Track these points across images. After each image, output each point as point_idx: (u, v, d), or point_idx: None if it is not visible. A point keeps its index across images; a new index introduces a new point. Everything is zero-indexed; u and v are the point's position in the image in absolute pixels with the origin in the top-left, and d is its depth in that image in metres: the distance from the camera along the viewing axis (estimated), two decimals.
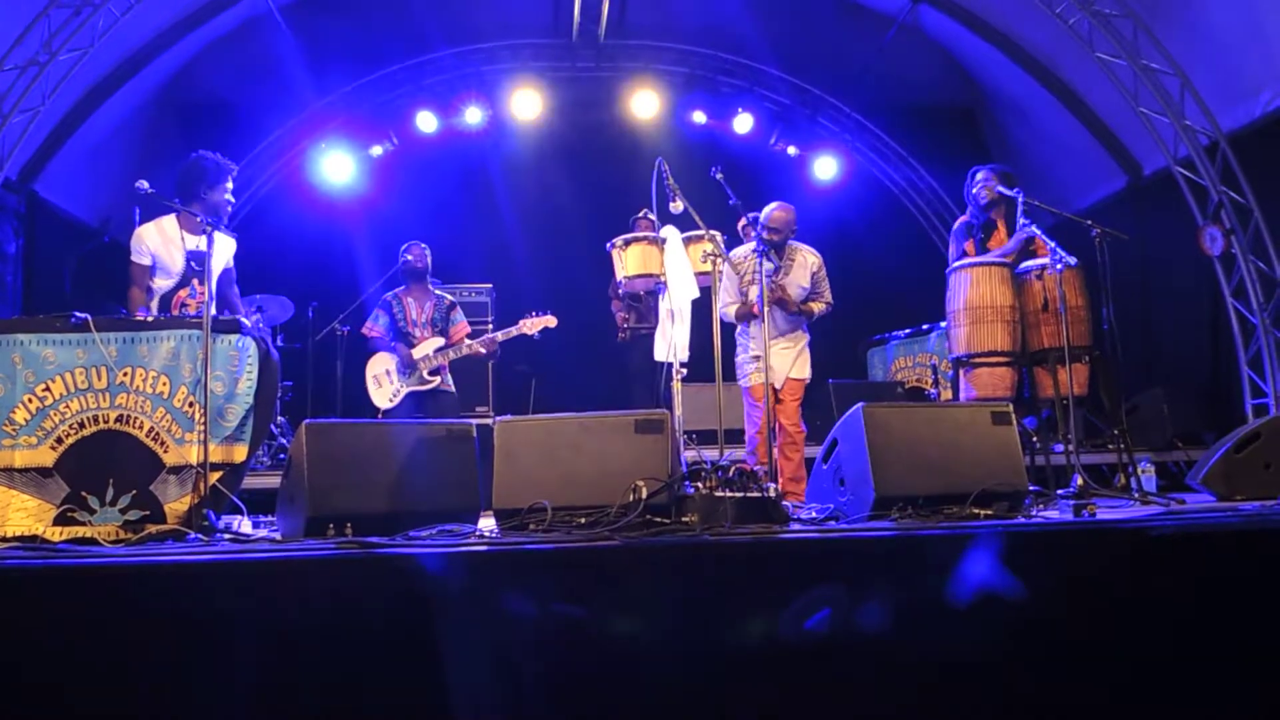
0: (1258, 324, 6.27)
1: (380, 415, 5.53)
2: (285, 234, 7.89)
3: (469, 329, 5.79)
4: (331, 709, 2.44)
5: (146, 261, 4.17)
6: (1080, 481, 3.90)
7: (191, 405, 3.43)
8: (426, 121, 8.06)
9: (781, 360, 4.94)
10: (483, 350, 5.61)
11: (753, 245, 4.91)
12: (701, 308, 4.32)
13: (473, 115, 8.06)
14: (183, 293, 4.21)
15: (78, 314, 3.47)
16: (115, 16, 5.60)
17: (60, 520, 3.30)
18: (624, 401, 5.88)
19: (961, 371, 4.71)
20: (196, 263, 4.17)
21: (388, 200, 8.06)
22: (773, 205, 5.04)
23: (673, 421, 3.38)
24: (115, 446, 3.39)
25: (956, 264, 4.78)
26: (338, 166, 8.00)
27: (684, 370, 4.08)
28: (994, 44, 7.53)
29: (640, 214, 6.09)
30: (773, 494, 3.35)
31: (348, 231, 7.77)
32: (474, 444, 3.61)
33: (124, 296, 4.22)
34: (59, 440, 3.38)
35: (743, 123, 8.44)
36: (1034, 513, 3.47)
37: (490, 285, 7.53)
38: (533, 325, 5.63)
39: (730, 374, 4.92)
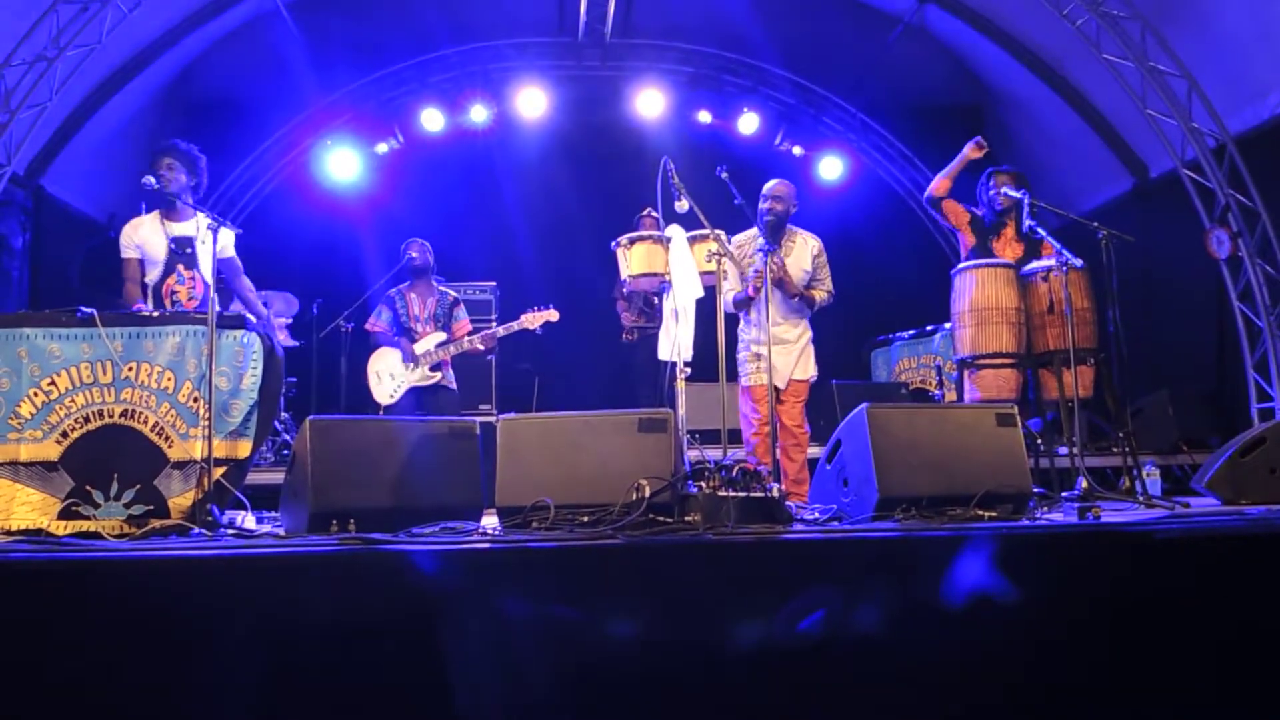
0: (1264, 328, 6.25)
1: (381, 411, 5.54)
2: (290, 231, 7.90)
3: (471, 326, 5.79)
4: (333, 704, 2.44)
5: (135, 255, 4.25)
6: (1084, 484, 3.89)
7: (196, 400, 3.44)
8: (432, 119, 8.05)
9: (784, 359, 4.84)
10: (481, 346, 5.61)
11: (754, 231, 4.89)
12: (706, 307, 4.31)
13: (478, 113, 8.05)
14: (170, 280, 4.25)
15: (84, 309, 3.48)
16: (123, 13, 5.61)
17: (65, 514, 3.31)
18: (628, 400, 5.88)
19: (966, 373, 4.70)
20: (177, 247, 4.22)
21: (392, 198, 8.06)
22: (774, 180, 5.02)
23: (676, 420, 3.37)
24: (120, 441, 3.40)
25: (962, 265, 4.78)
26: (343, 164, 8.00)
27: (688, 370, 4.07)
28: (1000, 44, 7.51)
29: (644, 212, 6.08)
30: (776, 494, 3.34)
31: (352, 228, 7.78)
32: (477, 441, 3.61)
33: (122, 293, 4.26)
34: (64, 434, 3.39)
35: (748, 122, 8.42)
36: (1038, 515, 3.46)
37: (494, 284, 7.53)
38: (535, 319, 5.62)
39: (735, 374, 4.91)
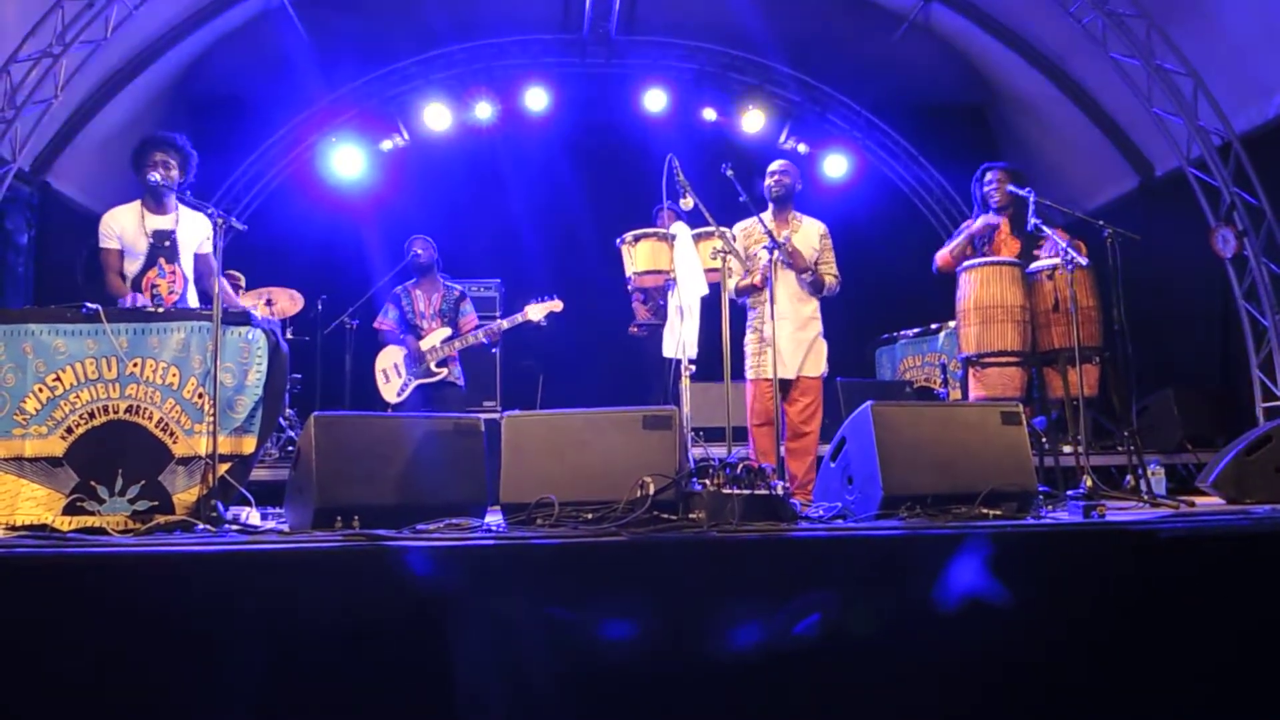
0: (1269, 326, 6.24)
1: (390, 410, 5.54)
2: (295, 227, 7.89)
3: (477, 321, 5.79)
4: (336, 700, 2.44)
5: (115, 245, 4.17)
6: (1089, 483, 3.89)
7: (201, 396, 3.44)
8: (436, 116, 8.05)
9: (792, 348, 4.65)
10: (484, 339, 5.62)
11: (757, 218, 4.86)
12: (711, 304, 4.30)
13: (483, 110, 8.05)
14: (151, 273, 4.17)
15: (89, 305, 3.49)
16: (128, 9, 5.62)
17: (69, 510, 3.32)
18: (635, 396, 5.87)
19: (971, 371, 4.69)
20: (157, 240, 4.15)
21: (397, 194, 8.06)
22: (779, 160, 5.01)
23: (681, 418, 3.37)
24: (125, 437, 3.41)
25: (967, 263, 4.77)
26: (347, 160, 8.00)
27: (693, 367, 4.07)
28: (1006, 42, 7.48)
29: (664, 205, 6.06)
30: (780, 491, 3.34)
31: (357, 225, 7.77)
32: (482, 438, 3.62)
33: (106, 285, 4.19)
34: (69, 430, 3.39)
35: (752, 120, 8.41)
36: (1043, 513, 3.46)
37: (499, 280, 7.54)
38: (539, 310, 5.60)
39: (740, 372, 4.89)
